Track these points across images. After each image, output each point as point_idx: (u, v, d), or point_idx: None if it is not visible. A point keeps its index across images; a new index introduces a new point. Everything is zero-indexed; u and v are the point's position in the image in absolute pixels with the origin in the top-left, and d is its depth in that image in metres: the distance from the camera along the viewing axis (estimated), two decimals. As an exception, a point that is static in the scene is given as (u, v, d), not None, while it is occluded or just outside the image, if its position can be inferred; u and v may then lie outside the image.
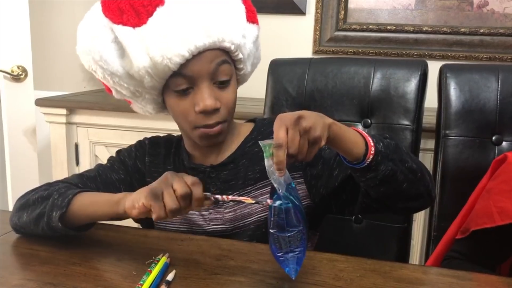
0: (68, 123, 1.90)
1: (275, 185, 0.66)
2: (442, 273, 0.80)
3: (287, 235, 0.66)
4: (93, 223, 0.86)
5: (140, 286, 0.69)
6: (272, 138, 0.65)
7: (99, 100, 1.96)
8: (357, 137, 0.73)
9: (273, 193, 0.68)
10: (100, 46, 0.85)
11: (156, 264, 0.76)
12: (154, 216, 0.71)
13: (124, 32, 0.83)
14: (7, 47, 1.96)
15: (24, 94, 2.01)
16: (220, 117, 0.88)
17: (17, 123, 2.06)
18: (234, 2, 0.88)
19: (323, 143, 0.67)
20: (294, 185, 0.69)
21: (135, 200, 0.73)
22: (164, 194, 0.71)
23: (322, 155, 0.92)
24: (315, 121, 0.66)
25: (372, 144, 0.73)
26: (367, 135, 0.75)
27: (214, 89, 0.87)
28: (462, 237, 1.01)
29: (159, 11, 0.82)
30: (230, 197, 0.74)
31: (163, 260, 0.77)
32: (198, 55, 0.83)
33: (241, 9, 0.89)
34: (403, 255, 1.26)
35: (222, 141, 0.95)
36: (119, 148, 1.05)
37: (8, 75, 1.98)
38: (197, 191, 0.72)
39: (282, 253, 0.68)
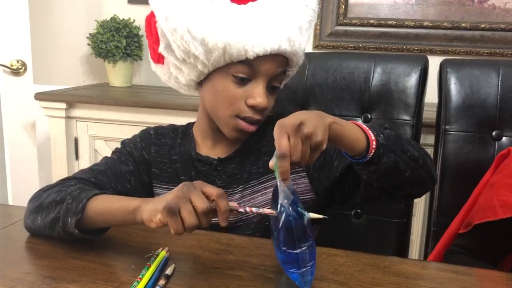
0: (68, 117, 1.90)
1: (284, 202, 0.64)
2: (442, 268, 0.80)
3: (298, 251, 0.65)
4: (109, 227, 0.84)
5: (139, 280, 0.69)
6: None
7: (99, 94, 1.96)
8: (358, 133, 0.73)
9: (280, 210, 0.66)
10: (195, 6, 0.85)
11: (155, 258, 0.76)
12: (172, 232, 0.68)
13: (221, 1, 0.85)
14: (6, 41, 1.96)
15: (24, 88, 2.01)
16: (263, 117, 0.91)
17: (17, 117, 2.06)
18: (314, 21, 0.93)
19: (324, 146, 0.66)
20: (295, 193, 0.67)
21: (152, 213, 0.70)
22: (182, 211, 0.67)
23: None
24: (316, 125, 0.65)
25: (373, 138, 0.73)
26: (367, 128, 0.74)
27: (266, 90, 0.90)
28: (465, 231, 1.01)
29: (262, 1, 0.86)
30: (254, 209, 0.72)
31: (162, 254, 0.77)
32: (272, 55, 0.86)
33: (311, 35, 0.95)
34: (402, 250, 1.26)
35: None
36: (118, 143, 1.05)
37: (8, 69, 1.98)
38: (223, 204, 0.68)
39: (294, 269, 0.67)
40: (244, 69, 0.87)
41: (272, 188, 0.73)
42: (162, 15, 0.86)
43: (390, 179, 0.78)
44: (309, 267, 0.66)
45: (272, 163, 0.64)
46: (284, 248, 0.66)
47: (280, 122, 0.64)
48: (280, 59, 0.89)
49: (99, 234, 0.82)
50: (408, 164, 0.77)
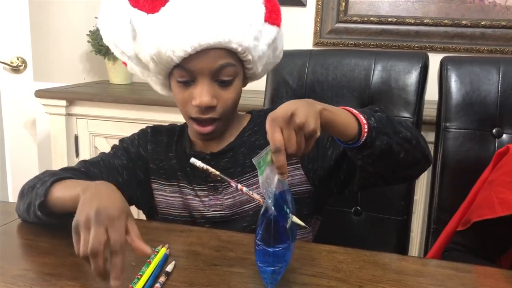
0: (68, 115, 1.90)
1: (268, 199, 0.64)
2: (441, 265, 0.80)
3: (271, 250, 0.65)
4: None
5: (139, 277, 0.69)
6: (263, 149, 0.63)
7: (99, 91, 1.96)
8: (349, 118, 0.73)
9: (265, 207, 0.65)
10: (116, 25, 0.89)
11: (155, 255, 0.76)
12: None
13: (138, 16, 0.85)
14: (6, 38, 1.96)
15: (24, 85, 2.01)
16: (215, 114, 0.89)
17: (17, 115, 2.06)
18: (253, 4, 0.87)
19: (318, 134, 0.65)
20: (290, 192, 0.67)
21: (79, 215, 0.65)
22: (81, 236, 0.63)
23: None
24: (307, 114, 0.64)
25: (364, 121, 0.73)
26: (358, 112, 0.74)
27: (215, 87, 0.88)
28: (463, 229, 1.01)
29: (172, 3, 0.83)
30: (244, 189, 0.72)
31: (162, 251, 0.77)
32: (202, 52, 0.83)
33: (260, 10, 0.88)
34: (402, 248, 1.26)
35: (216, 137, 0.95)
36: (119, 139, 1.06)
37: (8, 66, 1.97)
38: (116, 260, 0.61)
39: (263, 265, 0.66)
40: (181, 72, 0.86)
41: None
42: (105, 42, 0.94)
43: (385, 162, 0.78)
44: (278, 268, 0.66)
45: (256, 158, 0.63)
46: (259, 242, 0.65)
47: (271, 116, 0.63)
48: (216, 52, 0.84)
49: (66, 219, 0.76)
50: (402, 146, 0.77)
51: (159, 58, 0.84)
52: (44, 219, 0.81)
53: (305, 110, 0.64)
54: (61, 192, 0.79)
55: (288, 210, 0.65)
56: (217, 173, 0.74)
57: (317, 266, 0.76)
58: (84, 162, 0.96)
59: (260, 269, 0.67)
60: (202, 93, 0.86)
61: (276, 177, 0.63)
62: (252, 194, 0.73)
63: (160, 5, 0.83)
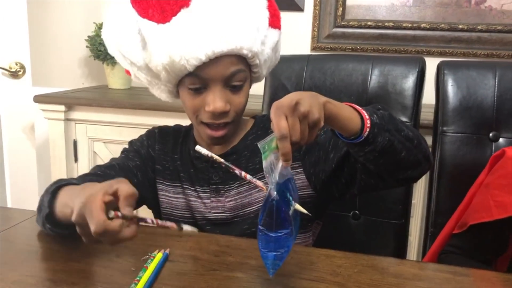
0: (67, 120, 1.90)
1: (271, 185, 0.65)
2: (439, 268, 0.80)
3: (273, 235, 0.66)
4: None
5: (137, 282, 0.69)
6: (269, 135, 0.64)
7: (98, 96, 1.96)
8: (352, 113, 0.73)
9: (268, 191, 0.67)
10: (124, 35, 0.89)
11: (152, 260, 0.76)
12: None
13: (147, 26, 0.85)
14: (5, 44, 1.96)
15: (22, 90, 2.01)
16: (228, 118, 0.91)
17: (16, 120, 2.06)
18: (258, 9, 0.89)
19: (322, 123, 0.66)
20: (293, 180, 0.68)
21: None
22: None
23: (318, 141, 0.93)
24: (311, 103, 0.65)
25: (367, 117, 0.73)
26: (361, 108, 0.75)
27: (226, 92, 0.89)
28: (460, 232, 1.02)
29: (183, 12, 0.84)
30: (248, 177, 0.73)
31: (159, 256, 0.77)
32: (215, 59, 0.84)
33: (265, 15, 0.90)
34: (400, 251, 1.26)
35: (227, 139, 0.97)
36: (117, 145, 1.07)
37: (6, 72, 1.98)
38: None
39: (265, 250, 0.67)
40: (193, 80, 0.87)
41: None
42: (111, 53, 0.94)
43: (387, 160, 0.78)
44: (280, 253, 0.67)
45: (261, 143, 0.64)
46: (261, 228, 0.66)
47: (276, 104, 0.64)
48: (228, 59, 0.86)
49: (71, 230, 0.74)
50: (404, 144, 0.78)
51: (171, 67, 0.85)
52: (56, 230, 0.79)
53: (309, 100, 0.65)
54: (61, 205, 0.76)
55: (291, 198, 0.66)
56: (222, 160, 0.75)
57: (316, 271, 0.76)
58: (99, 166, 0.97)
59: (262, 255, 0.68)
60: (215, 100, 0.87)
61: (280, 164, 0.64)
62: (256, 181, 0.74)
63: (171, 15, 0.84)
